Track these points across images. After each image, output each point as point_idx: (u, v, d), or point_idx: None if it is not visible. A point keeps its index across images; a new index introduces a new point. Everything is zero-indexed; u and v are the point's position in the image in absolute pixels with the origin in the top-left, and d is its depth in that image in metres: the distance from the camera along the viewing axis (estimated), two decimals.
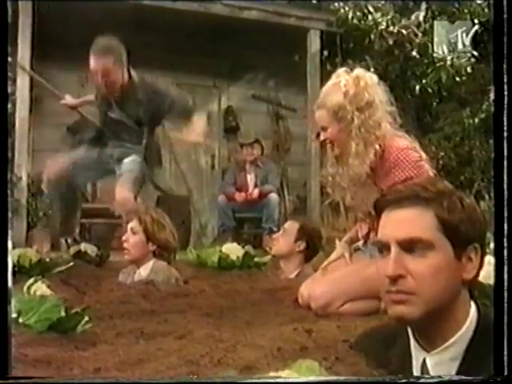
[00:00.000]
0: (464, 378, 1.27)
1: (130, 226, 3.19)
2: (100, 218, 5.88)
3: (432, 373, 1.33)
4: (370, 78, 2.57)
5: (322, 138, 2.61)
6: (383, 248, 1.35)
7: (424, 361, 1.35)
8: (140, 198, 3.99)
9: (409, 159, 2.47)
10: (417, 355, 1.37)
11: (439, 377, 1.28)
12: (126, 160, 4.03)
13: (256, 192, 6.42)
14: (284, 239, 3.44)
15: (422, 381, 1.27)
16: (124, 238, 3.20)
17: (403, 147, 2.50)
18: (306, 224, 3.53)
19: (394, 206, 1.36)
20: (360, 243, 2.71)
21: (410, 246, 1.31)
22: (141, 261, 3.17)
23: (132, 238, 3.16)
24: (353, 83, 2.52)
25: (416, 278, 1.30)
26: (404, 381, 1.27)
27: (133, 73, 4.00)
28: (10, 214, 1.33)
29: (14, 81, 5.48)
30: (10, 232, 1.32)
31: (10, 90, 1.41)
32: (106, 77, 3.87)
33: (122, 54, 3.92)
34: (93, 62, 3.84)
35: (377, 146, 2.49)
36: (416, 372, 1.36)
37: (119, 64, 3.90)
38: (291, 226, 3.47)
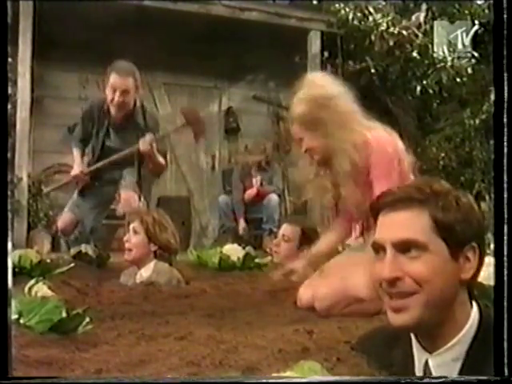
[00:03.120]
0: (468, 377, 1.27)
1: (131, 226, 3.20)
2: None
3: (434, 374, 1.33)
4: (322, 76, 2.66)
5: (303, 149, 2.61)
6: (379, 250, 1.36)
7: (426, 362, 1.35)
8: (143, 198, 4.04)
9: (384, 160, 2.47)
10: (419, 356, 1.37)
11: (443, 377, 1.28)
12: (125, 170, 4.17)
13: (254, 191, 6.39)
14: (287, 246, 3.39)
15: (425, 381, 1.27)
16: (126, 238, 3.21)
17: (379, 142, 2.50)
18: (307, 227, 3.50)
19: (388, 209, 1.37)
20: (357, 243, 2.70)
21: (404, 247, 1.32)
22: (142, 261, 3.17)
23: (134, 238, 3.17)
24: (308, 87, 2.56)
25: (413, 279, 1.30)
26: (407, 381, 1.26)
27: (138, 100, 4.13)
28: (10, 215, 1.32)
29: (15, 82, 5.48)
30: (10, 233, 1.32)
31: (10, 90, 1.41)
32: (125, 96, 3.98)
33: (138, 79, 4.06)
34: (114, 80, 3.97)
35: (356, 138, 2.49)
36: (418, 373, 1.36)
37: (136, 88, 4.05)
38: (292, 232, 3.42)
